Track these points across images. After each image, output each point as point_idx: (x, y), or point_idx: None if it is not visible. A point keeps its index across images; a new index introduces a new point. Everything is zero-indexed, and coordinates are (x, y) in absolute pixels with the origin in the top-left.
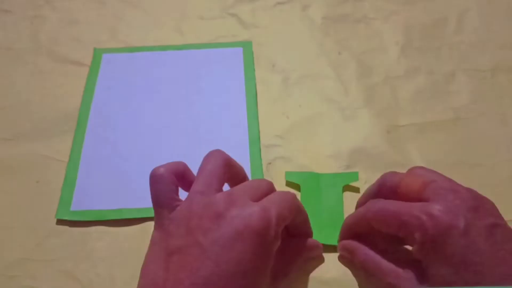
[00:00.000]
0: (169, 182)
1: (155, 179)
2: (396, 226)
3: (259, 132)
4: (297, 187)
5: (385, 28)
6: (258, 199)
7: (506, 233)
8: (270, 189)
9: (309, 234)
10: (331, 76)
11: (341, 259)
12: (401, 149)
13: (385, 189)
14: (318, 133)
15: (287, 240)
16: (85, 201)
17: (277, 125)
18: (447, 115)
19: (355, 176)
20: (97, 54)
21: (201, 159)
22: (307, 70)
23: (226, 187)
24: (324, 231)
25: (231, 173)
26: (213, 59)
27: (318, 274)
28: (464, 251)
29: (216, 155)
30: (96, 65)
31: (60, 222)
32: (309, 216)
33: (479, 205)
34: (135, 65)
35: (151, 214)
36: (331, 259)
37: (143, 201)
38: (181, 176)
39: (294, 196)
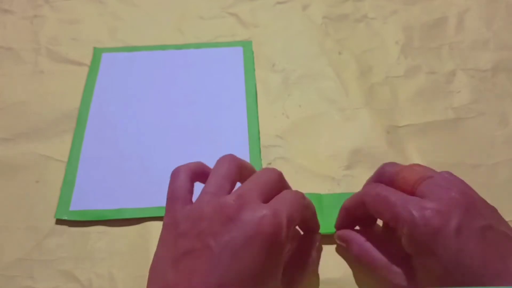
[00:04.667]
0: (187, 179)
1: (174, 175)
2: (389, 215)
3: (259, 132)
4: None
5: (385, 28)
6: (268, 196)
7: (497, 235)
8: (279, 181)
9: (316, 228)
10: (331, 76)
11: (339, 250)
12: (401, 149)
13: (383, 180)
14: (318, 133)
15: (298, 237)
16: (85, 201)
17: (277, 125)
18: (447, 115)
19: None
20: (97, 54)
21: (201, 159)
22: (307, 70)
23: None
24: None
25: (244, 176)
26: (213, 58)
27: (318, 274)
28: (455, 252)
29: (229, 158)
30: (95, 65)
31: (60, 222)
32: None
33: (472, 206)
34: (135, 65)
35: (151, 214)
36: (331, 259)
37: (143, 201)
38: (201, 174)
39: (302, 195)
